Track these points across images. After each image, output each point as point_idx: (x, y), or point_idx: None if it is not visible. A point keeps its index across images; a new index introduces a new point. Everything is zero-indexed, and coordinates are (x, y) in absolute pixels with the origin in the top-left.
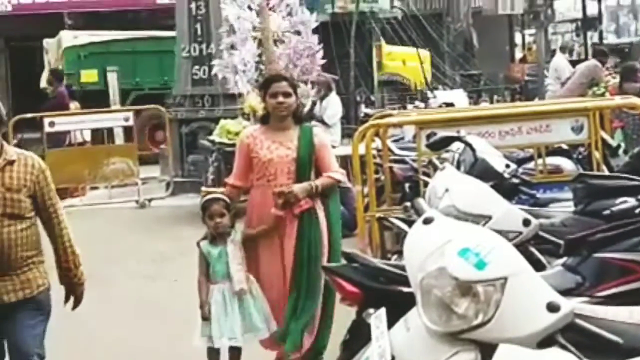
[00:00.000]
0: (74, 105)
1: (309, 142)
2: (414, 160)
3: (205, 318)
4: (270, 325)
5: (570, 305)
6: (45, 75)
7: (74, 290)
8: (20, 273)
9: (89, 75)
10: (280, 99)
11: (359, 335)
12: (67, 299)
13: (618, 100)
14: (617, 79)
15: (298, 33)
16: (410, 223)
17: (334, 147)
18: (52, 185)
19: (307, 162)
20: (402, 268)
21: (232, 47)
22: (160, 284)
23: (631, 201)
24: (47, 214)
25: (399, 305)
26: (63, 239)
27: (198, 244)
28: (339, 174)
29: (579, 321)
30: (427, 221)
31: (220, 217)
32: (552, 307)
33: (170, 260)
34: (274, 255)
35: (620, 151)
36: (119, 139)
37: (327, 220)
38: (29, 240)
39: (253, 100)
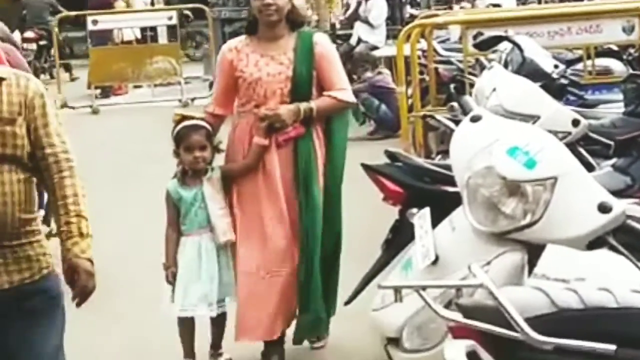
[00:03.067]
0: (120, 4)
1: (309, 53)
2: (459, 61)
3: (170, 282)
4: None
5: (622, 205)
6: None
7: (77, 271)
8: (16, 246)
9: None
10: None
11: (401, 234)
12: (71, 286)
13: None
14: None
15: None
16: (457, 122)
17: (376, 47)
18: (53, 118)
19: (306, 80)
20: (447, 167)
21: None
22: None
23: None
24: (42, 157)
25: (443, 205)
26: (65, 192)
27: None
28: (345, 92)
29: (631, 222)
30: (475, 119)
31: (200, 150)
32: (604, 208)
33: None
34: (252, 199)
35: None
36: (163, 38)
37: (327, 153)
38: (30, 198)
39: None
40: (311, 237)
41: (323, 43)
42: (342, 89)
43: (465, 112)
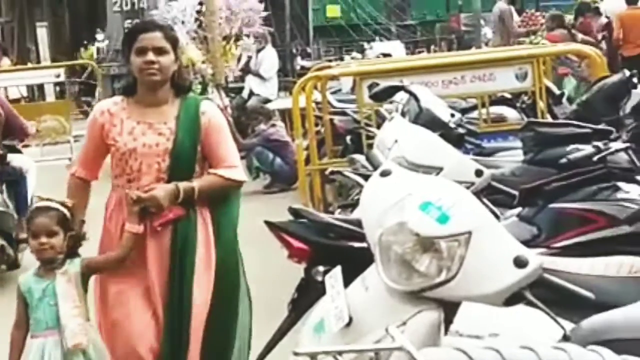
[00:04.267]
0: (6, 62)
1: (193, 123)
2: (355, 112)
3: None
4: None
5: (538, 259)
6: None
7: None
8: None
9: None
10: (151, 56)
11: (307, 293)
12: None
13: (564, 47)
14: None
15: None
16: (363, 176)
17: (269, 100)
18: None
19: (189, 155)
20: (352, 223)
21: None
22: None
23: (586, 148)
24: None
25: (350, 262)
26: None
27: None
28: (234, 170)
29: (548, 276)
30: (385, 173)
31: (48, 235)
32: (520, 262)
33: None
34: (137, 291)
35: (564, 99)
36: (50, 96)
37: (216, 238)
38: None
39: (192, 52)
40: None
41: (211, 112)
42: (231, 166)
43: (374, 167)
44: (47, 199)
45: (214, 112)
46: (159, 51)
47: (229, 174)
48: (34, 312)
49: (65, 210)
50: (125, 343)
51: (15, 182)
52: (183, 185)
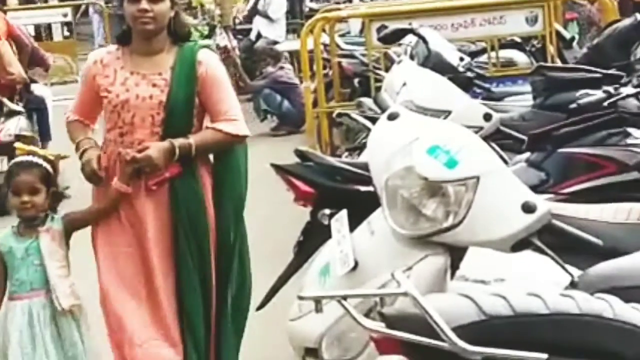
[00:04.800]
0: (13, 1)
1: (189, 74)
2: (363, 55)
3: None
4: None
5: (547, 205)
6: None
7: None
8: None
9: None
10: (144, 4)
11: (313, 236)
12: None
13: None
14: None
15: None
16: (370, 119)
17: (277, 42)
18: None
19: (184, 108)
20: (359, 166)
21: None
22: None
23: (596, 93)
24: None
25: (356, 206)
26: None
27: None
28: (235, 124)
29: (556, 222)
30: (392, 117)
31: (30, 193)
32: (528, 208)
33: None
34: (129, 249)
35: (574, 43)
36: (58, 35)
37: (216, 198)
38: None
39: None
40: (195, 306)
41: (209, 62)
42: (231, 119)
43: (382, 110)
44: (30, 152)
45: (211, 61)
46: None
47: (230, 128)
48: (15, 273)
49: (49, 166)
50: (128, 297)
51: (39, 109)
52: (179, 142)
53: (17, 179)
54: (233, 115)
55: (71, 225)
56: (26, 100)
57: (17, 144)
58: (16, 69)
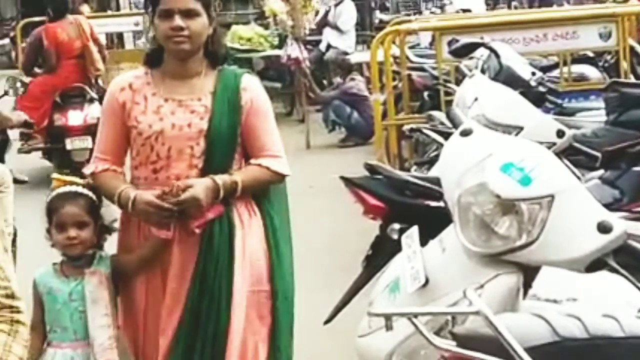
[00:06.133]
0: (86, 9)
1: (233, 99)
2: (433, 68)
3: None
4: None
5: (623, 225)
6: None
7: None
8: None
9: None
10: (178, 20)
11: (382, 250)
12: None
13: None
14: None
15: None
16: (442, 134)
17: (346, 53)
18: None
19: (228, 137)
20: (429, 181)
21: None
22: None
23: None
24: None
25: (426, 221)
26: None
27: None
28: (278, 161)
29: (632, 242)
30: (466, 133)
31: (77, 227)
32: (604, 228)
33: None
34: (158, 298)
35: None
36: (129, 44)
37: (267, 237)
38: None
39: (275, 4)
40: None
41: (254, 89)
42: (276, 156)
43: (454, 125)
44: (69, 182)
45: (257, 89)
46: (188, 14)
47: (277, 166)
48: (56, 319)
49: (94, 196)
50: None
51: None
52: (222, 179)
53: (61, 211)
54: (277, 151)
55: (118, 270)
56: (97, 89)
57: (54, 175)
58: (102, 65)
